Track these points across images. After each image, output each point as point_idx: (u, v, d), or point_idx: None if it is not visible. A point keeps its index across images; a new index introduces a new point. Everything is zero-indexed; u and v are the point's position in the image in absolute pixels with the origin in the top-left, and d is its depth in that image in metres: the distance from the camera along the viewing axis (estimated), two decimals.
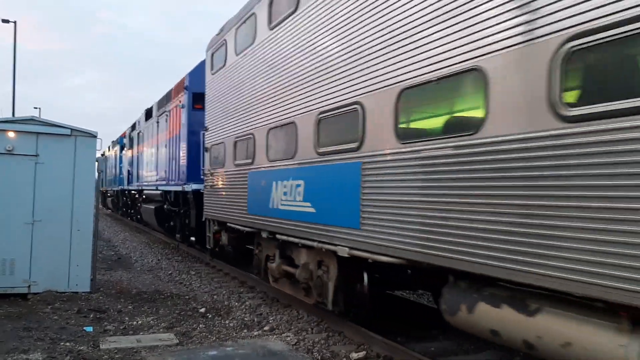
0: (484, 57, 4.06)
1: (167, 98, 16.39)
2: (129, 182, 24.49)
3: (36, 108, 64.31)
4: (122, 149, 28.18)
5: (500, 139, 3.90)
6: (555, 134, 3.45)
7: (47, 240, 8.57)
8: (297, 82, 7.17)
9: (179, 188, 14.11)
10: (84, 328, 6.82)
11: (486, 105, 4.05)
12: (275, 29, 7.95)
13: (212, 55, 11.20)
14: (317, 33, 6.67)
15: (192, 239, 13.71)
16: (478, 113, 4.15)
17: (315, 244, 6.63)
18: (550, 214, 3.47)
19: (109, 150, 33.92)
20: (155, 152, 17.93)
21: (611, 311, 3.30)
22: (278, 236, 7.81)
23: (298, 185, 7.02)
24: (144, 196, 20.57)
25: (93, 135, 8.95)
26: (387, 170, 5.23)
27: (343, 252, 5.98)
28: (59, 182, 8.63)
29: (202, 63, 12.65)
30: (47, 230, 8.58)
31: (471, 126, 4.21)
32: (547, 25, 3.54)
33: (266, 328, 7.10)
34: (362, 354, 5.95)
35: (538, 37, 3.62)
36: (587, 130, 3.26)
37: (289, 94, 7.39)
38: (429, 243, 4.58)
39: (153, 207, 17.73)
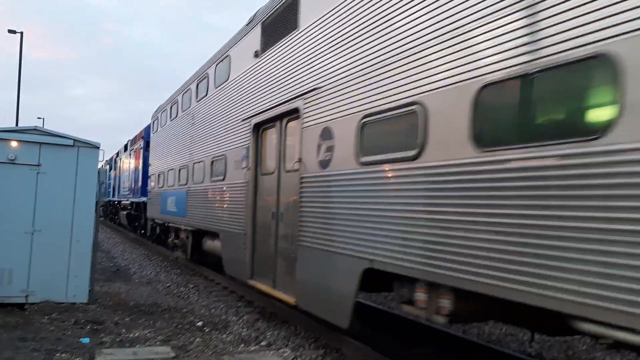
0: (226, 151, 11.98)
1: (134, 140, 24.41)
2: (114, 194, 32.49)
3: (39, 118, 66.87)
4: (110, 168, 36.25)
5: (231, 182, 11.78)
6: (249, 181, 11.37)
7: (46, 250, 8.48)
8: (175, 151, 15.12)
9: (138, 200, 22.00)
10: (81, 339, 6.77)
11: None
12: (172, 121, 15.90)
13: (153, 122, 19.19)
14: (178, 132, 14.61)
15: (142, 231, 21.62)
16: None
17: (179, 226, 14.48)
18: (218, 208, 11.32)
19: (102, 167, 41.87)
20: (128, 175, 25.87)
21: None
22: (170, 224, 15.67)
23: (174, 199, 14.91)
24: (121, 205, 28.51)
25: (95, 147, 9.04)
26: (195, 194, 13.08)
27: (182, 227, 13.82)
28: (60, 193, 8.61)
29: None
30: (46, 240, 8.49)
31: (219, 174, 12.10)
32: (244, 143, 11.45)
33: (263, 343, 7.13)
34: None
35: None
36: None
37: (174, 155, 15.32)
38: (209, 221, 12.27)
39: (126, 212, 25.62)
